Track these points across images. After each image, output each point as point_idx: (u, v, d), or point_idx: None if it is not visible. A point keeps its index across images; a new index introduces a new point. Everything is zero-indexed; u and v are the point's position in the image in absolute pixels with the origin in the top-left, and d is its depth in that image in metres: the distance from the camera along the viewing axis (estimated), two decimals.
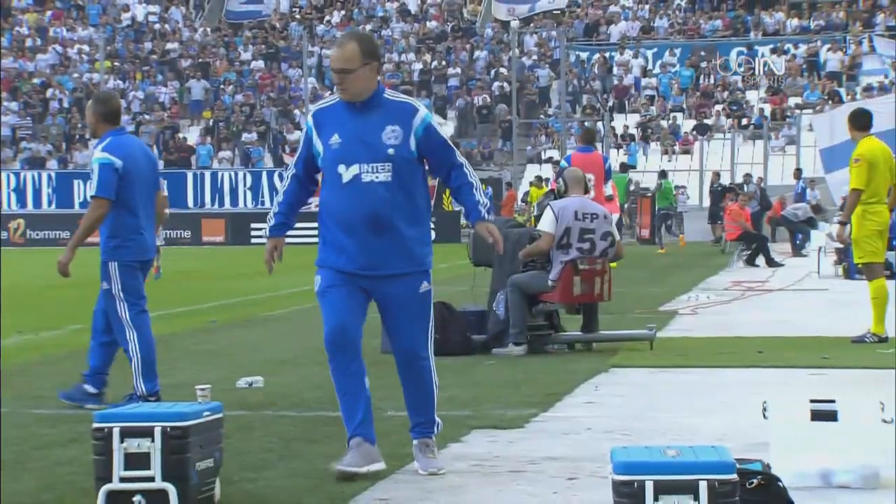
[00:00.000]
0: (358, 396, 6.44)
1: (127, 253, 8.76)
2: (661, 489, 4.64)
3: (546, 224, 11.78)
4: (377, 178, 6.26)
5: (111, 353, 8.96)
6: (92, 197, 8.75)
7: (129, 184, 8.71)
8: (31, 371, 10.36)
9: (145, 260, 8.93)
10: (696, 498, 4.62)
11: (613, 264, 12.60)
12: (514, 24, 49.16)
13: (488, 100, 49.40)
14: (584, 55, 50.98)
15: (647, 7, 53.56)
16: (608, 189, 18.51)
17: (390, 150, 6.24)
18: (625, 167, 39.96)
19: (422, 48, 52.38)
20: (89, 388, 8.86)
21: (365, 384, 6.49)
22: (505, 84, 49.06)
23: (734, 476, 4.70)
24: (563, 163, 18.65)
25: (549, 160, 44.83)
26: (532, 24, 53.47)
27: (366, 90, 6.28)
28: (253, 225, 44.41)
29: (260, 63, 52.63)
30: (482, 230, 6.43)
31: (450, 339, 11.50)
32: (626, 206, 36.76)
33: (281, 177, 45.24)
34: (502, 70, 50.25)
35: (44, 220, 43.61)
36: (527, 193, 41.34)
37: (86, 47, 53.60)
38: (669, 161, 44.34)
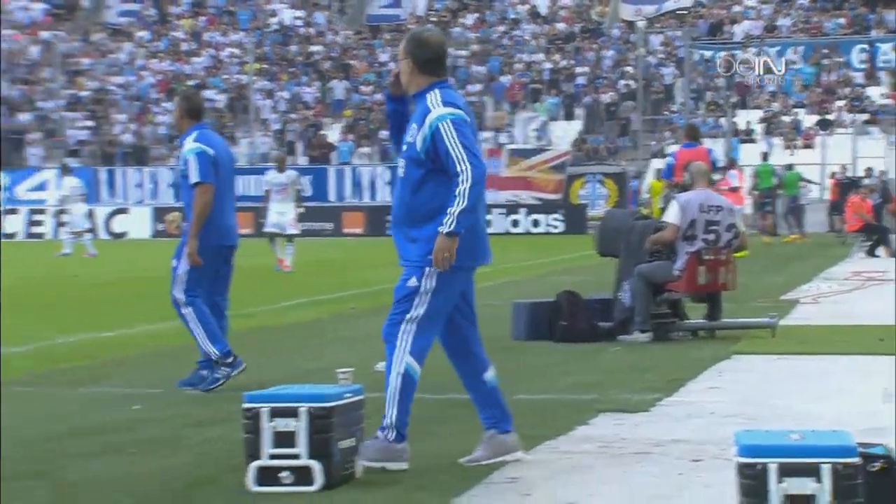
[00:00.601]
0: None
1: (204, 237, 8.85)
2: (785, 471, 4.56)
3: (672, 216, 11.78)
4: (400, 173, 6.27)
5: (207, 318, 8.99)
6: (195, 185, 8.87)
7: (216, 172, 8.86)
8: (181, 354, 10.53)
9: (223, 245, 8.99)
10: (819, 480, 4.55)
11: (741, 253, 12.47)
12: (641, 24, 48.74)
13: (615, 97, 49.08)
14: (707, 54, 50.35)
15: (770, 6, 52.73)
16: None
17: (405, 147, 6.19)
18: (765, 156, 39.19)
19: (551, 48, 52.22)
20: (205, 373, 8.99)
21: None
22: (631, 82, 48.69)
23: (857, 459, 4.61)
24: (670, 159, 18.80)
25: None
26: (658, 24, 52.97)
27: (409, 84, 6.20)
28: (390, 218, 44.59)
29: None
30: (437, 242, 6.04)
31: (576, 326, 11.50)
32: (771, 191, 35.74)
33: None
34: (628, 69, 49.87)
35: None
36: (648, 187, 41.01)
37: (236, 50, 54.36)
38: (791, 155, 43.63)
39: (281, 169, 23.22)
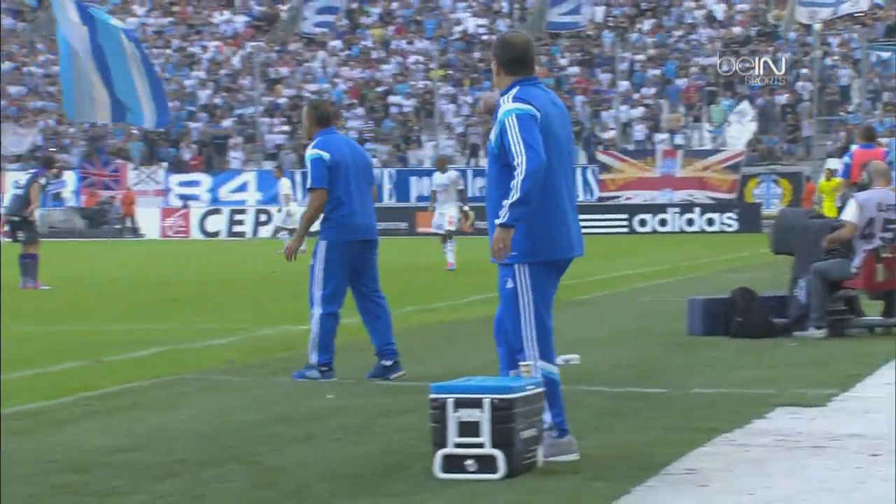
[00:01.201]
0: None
1: (334, 233, 8.99)
2: None
3: (849, 214, 11.61)
4: (487, 171, 6.20)
5: (378, 327, 9.12)
6: (309, 189, 9.10)
7: (336, 173, 8.97)
8: (369, 347, 10.66)
9: (354, 241, 9.04)
10: None
11: None
12: (817, 26, 47.59)
13: (791, 98, 48.03)
14: (884, 55, 48.90)
15: None
16: None
17: (489, 145, 6.14)
18: None
19: (727, 52, 51.40)
20: (385, 362, 9.08)
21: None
22: (806, 83, 47.60)
23: None
24: (846, 158, 18.40)
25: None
26: (834, 27, 51.66)
27: (497, 84, 6.14)
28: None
29: (575, 69, 52.69)
30: (494, 233, 5.89)
31: (751, 322, 11.35)
32: None
33: (595, 172, 45.36)
34: (804, 70, 48.76)
35: (384, 213, 44.93)
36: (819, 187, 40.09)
37: (422, 57, 54.86)
38: None
39: (442, 170, 23.28)
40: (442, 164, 23.94)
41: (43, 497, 5.51)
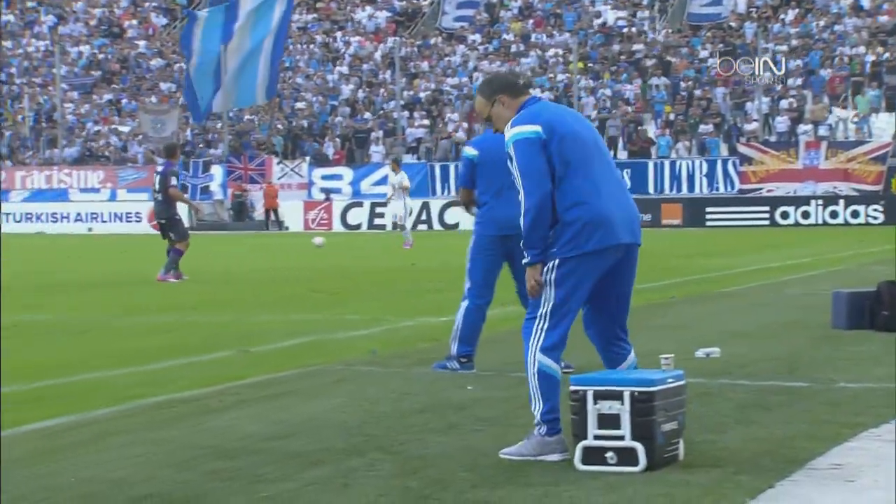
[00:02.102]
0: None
1: (479, 227, 9.14)
2: None
3: None
4: None
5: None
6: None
7: (480, 171, 9.07)
8: (509, 339, 10.69)
9: (502, 235, 9.04)
10: None
11: None
12: None
13: None
14: None
15: None
16: None
17: None
18: None
19: (873, 41, 50.17)
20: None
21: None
22: None
23: None
24: None
25: None
26: None
27: (506, 121, 6.10)
28: (707, 209, 44.24)
29: (716, 60, 52.03)
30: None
31: None
32: None
33: (735, 165, 44.74)
34: None
35: None
36: None
37: (561, 50, 54.67)
38: None
39: None
40: None
41: (195, 483, 5.65)
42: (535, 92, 51.48)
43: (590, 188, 5.98)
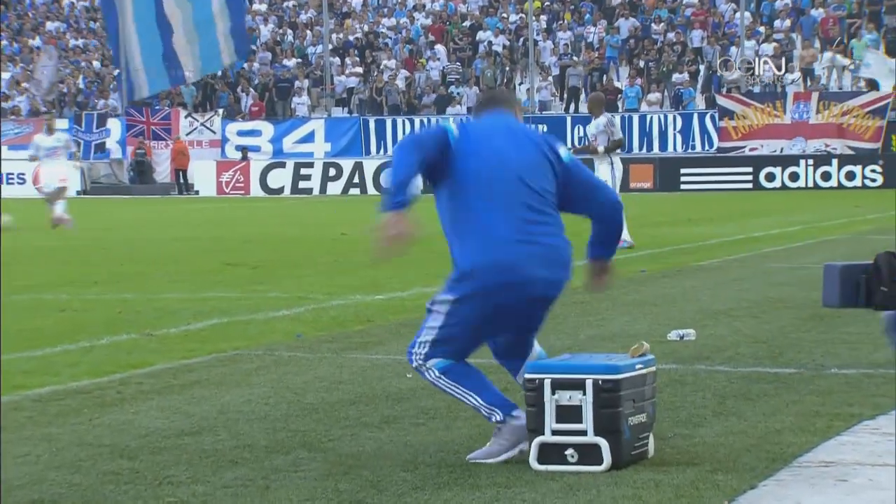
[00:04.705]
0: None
1: None
2: None
3: None
4: None
5: None
6: None
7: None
8: None
9: None
10: None
11: None
12: None
13: None
14: None
15: None
16: None
17: None
18: None
19: None
20: None
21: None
22: None
23: None
24: None
25: None
26: None
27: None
28: (682, 170, 44.47)
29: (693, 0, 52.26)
30: None
31: None
32: None
33: (714, 119, 44.98)
34: None
35: None
36: None
37: None
38: None
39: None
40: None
41: (90, 487, 5.64)
42: (486, 34, 51.53)
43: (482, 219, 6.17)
